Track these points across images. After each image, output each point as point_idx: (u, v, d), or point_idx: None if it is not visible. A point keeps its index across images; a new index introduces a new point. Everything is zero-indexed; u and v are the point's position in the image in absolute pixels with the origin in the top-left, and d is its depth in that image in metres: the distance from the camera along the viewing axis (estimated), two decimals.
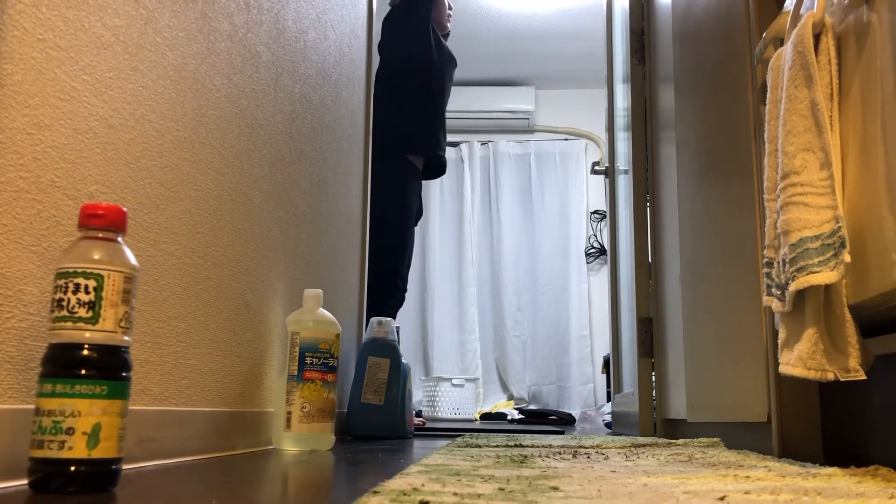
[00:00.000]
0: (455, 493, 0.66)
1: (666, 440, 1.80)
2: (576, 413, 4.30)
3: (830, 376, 0.93)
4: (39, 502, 0.64)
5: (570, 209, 5.16)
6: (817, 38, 0.98)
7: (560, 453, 1.27)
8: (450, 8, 3.11)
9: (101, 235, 0.75)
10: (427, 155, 2.89)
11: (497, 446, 1.47)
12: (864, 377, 0.90)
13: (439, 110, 2.90)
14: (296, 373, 1.42)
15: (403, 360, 2.05)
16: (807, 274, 0.92)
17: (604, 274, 4.97)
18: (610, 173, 3.09)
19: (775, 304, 1.05)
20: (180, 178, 1.13)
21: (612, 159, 3.05)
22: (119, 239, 0.76)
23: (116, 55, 0.96)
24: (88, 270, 0.73)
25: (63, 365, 0.71)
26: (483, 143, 5.33)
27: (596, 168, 3.32)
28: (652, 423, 2.27)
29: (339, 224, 2.08)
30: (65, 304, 0.72)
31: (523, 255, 5.12)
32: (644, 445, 1.55)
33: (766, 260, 1.10)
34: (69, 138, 0.87)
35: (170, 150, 1.10)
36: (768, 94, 1.10)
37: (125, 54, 0.98)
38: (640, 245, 2.46)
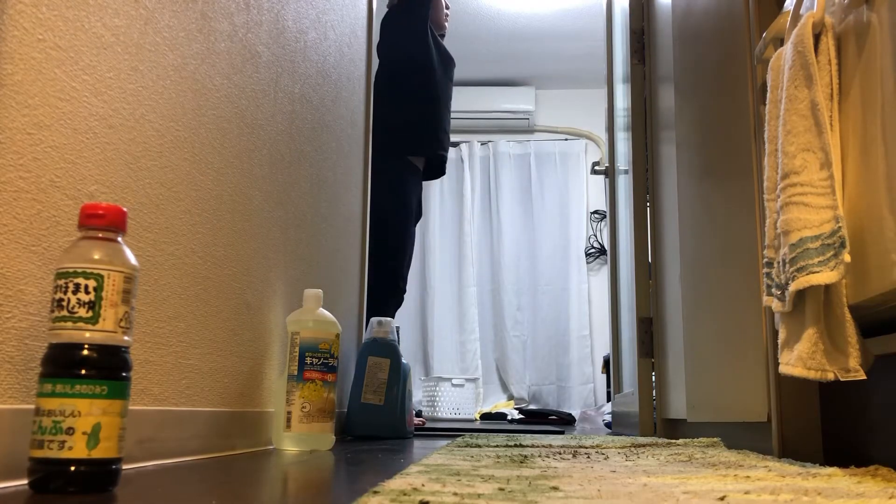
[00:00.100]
0: (455, 493, 0.66)
1: (666, 440, 1.80)
2: (576, 413, 4.30)
3: (830, 376, 0.93)
4: (39, 502, 0.64)
5: (570, 209, 5.16)
6: (817, 38, 0.98)
7: (560, 453, 1.27)
8: (447, 7, 3.11)
9: (101, 235, 0.75)
10: (427, 155, 2.89)
11: (497, 446, 1.47)
12: (864, 377, 0.90)
13: (440, 110, 2.90)
14: (296, 373, 1.42)
15: (403, 360, 2.05)
16: (807, 274, 0.92)
17: (604, 274, 4.97)
18: (610, 173, 3.09)
19: (775, 304, 1.05)
20: (180, 178, 1.13)
21: (612, 159, 3.05)
22: (119, 239, 0.76)
23: (116, 55, 0.96)
24: (88, 270, 0.73)
25: (63, 365, 0.71)
26: (483, 143, 5.33)
27: (596, 168, 3.32)
28: (652, 423, 2.27)
29: (339, 224, 2.08)
30: (65, 304, 0.72)
31: (523, 255, 5.12)
32: (644, 445, 1.55)
33: (766, 260, 1.10)
34: (69, 138, 0.87)
35: (170, 150, 1.10)
36: (768, 94, 1.10)
37: (125, 54, 0.98)
38: (640, 245, 2.46)
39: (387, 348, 2.02)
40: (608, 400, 3.68)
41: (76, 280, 0.72)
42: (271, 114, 1.52)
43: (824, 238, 0.91)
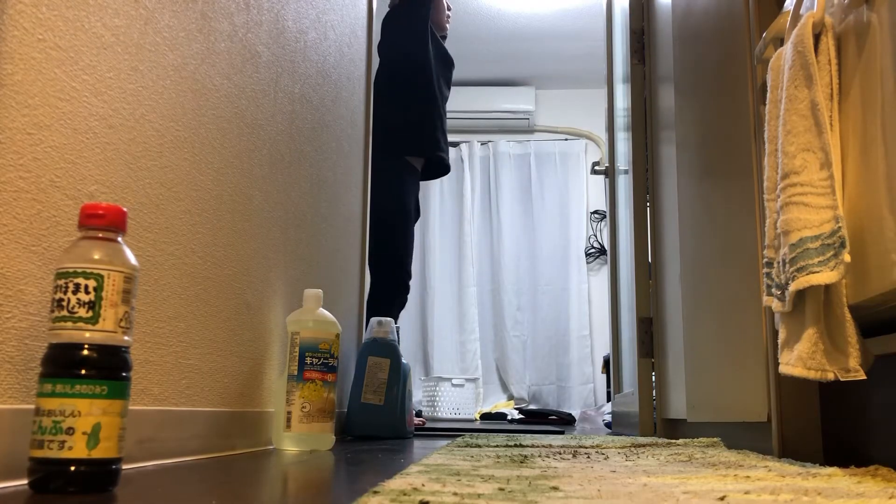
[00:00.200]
0: (455, 493, 0.66)
1: (666, 440, 1.80)
2: (576, 413, 4.30)
3: (830, 376, 0.93)
4: (39, 502, 0.64)
5: (570, 209, 5.16)
6: (817, 38, 0.98)
7: (560, 453, 1.27)
8: (448, 9, 3.11)
9: (101, 235, 0.75)
10: (425, 156, 2.89)
11: (497, 446, 1.47)
12: (864, 377, 0.90)
13: (438, 111, 2.90)
14: (296, 373, 1.42)
15: (403, 360, 2.05)
16: (807, 274, 0.92)
17: (604, 274, 4.97)
18: (610, 173, 3.09)
19: (775, 304, 1.05)
20: (180, 178, 1.13)
21: (612, 159, 3.05)
22: (119, 239, 0.76)
23: (116, 55, 0.96)
24: (88, 270, 0.73)
25: (63, 365, 0.71)
26: (483, 143, 5.33)
27: (596, 168, 3.32)
28: (652, 423, 2.27)
29: (339, 224, 2.08)
30: (65, 304, 0.72)
31: (523, 255, 5.12)
32: (644, 445, 1.55)
33: (766, 260, 1.10)
34: (69, 138, 0.87)
35: (170, 150, 1.10)
36: (768, 94, 1.10)
37: (125, 54, 0.98)
38: (640, 245, 2.46)
39: (387, 348, 2.02)
40: (608, 400, 3.68)
41: (76, 280, 0.72)
42: (271, 114, 1.52)
43: (824, 238, 0.91)
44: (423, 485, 0.71)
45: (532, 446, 1.49)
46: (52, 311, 0.72)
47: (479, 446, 1.46)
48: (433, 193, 5.19)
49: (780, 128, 1.02)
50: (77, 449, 0.69)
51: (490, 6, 4.29)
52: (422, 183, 2.98)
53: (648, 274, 2.39)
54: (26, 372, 0.78)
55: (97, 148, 0.92)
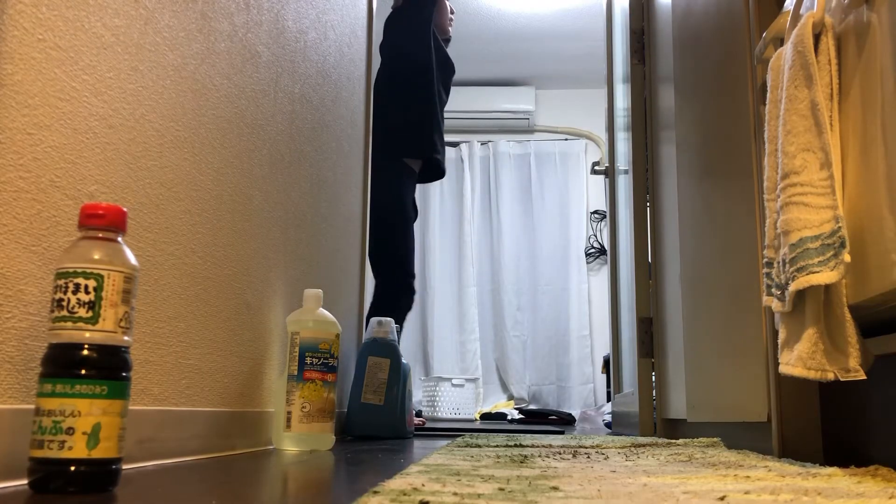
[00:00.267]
0: (455, 493, 0.66)
1: (666, 440, 1.80)
2: (576, 413, 4.30)
3: (830, 376, 0.93)
4: (39, 502, 0.64)
5: (570, 209, 5.16)
6: (817, 38, 0.98)
7: (560, 453, 1.27)
8: (451, 12, 3.10)
9: (101, 235, 0.75)
10: (422, 157, 2.88)
11: (497, 446, 1.47)
12: (864, 377, 0.90)
13: (437, 114, 2.90)
14: (296, 373, 1.42)
15: (403, 360, 2.05)
16: (807, 274, 0.92)
17: (604, 274, 4.97)
18: (610, 173, 3.09)
19: (775, 304, 1.05)
20: (180, 178, 1.13)
21: (612, 159, 3.05)
22: (119, 239, 0.76)
23: (116, 55, 0.96)
24: (88, 270, 0.73)
25: (63, 365, 0.71)
26: (483, 143, 5.33)
27: (596, 168, 3.32)
28: (652, 423, 2.27)
29: (339, 224, 2.08)
30: (65, 304, 0.72)
31: (523, 255, 5.12)
32: (644, 445, 1.55)
33: (766, 260, 1.10)
34: (69, 138, 0.87)
35: (170, 150, 1.10)
36: (768, 94, 1.10)
37: (125, 54, 0.98)
38: (640, 245, 2.46)
39: (387, 348, 2.02)
40: (608, 400, 3.68)
41: (76, 280, 0.72)
42: (271, 114, 1.52)
43: (824, 238, 0.91)
44: (423, 485, 0.71)
45: (532, 446, 1.49)
46: (52, 311, 0.72)
47: (479, 446, 1.46)
48: (433, 193, 5.19)
49: (780, 128, 1.02)
50: (77, 449, 0.69)
51: (490, 6, 4.29)
52: (420, 185, 2.98)
53: (648, 274, 2.39)
54: (26, 372, 0.78)
55: (97, 148, 0.92)
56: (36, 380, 0.73)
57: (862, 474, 0.85)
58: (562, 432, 2.53)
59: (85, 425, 0.70)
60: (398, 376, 2.00)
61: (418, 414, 3.56)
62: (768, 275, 1.09)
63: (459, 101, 4.76)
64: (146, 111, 1.03)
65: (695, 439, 1.62)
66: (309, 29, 1.78)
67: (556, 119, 5.31)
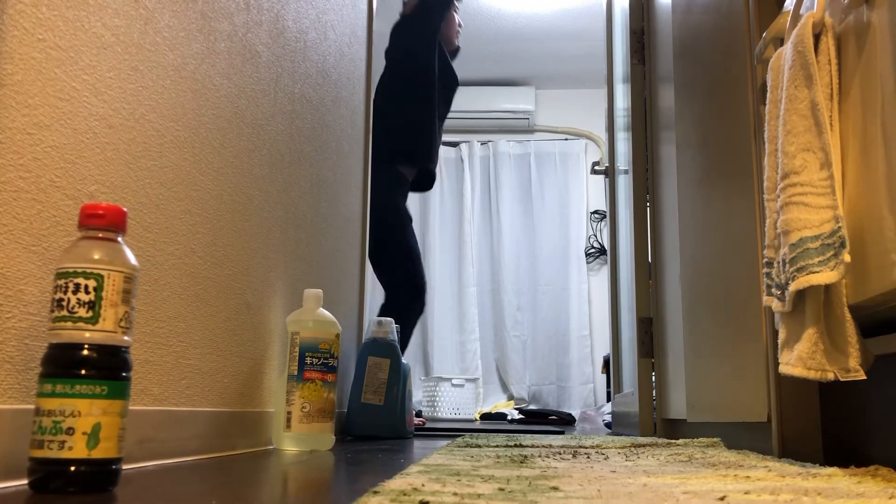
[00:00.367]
0: (455, 493, 0.66)
1: (666, 440, 1.80)
2: (576, 413, 4.30)
3: (830, 376, 0.93)
4: (39, 502, 0.64)
5: (570, 209, 5.16)
6: (817, 38, 0.98)
7: (560, 453, 1.27)
8: (459, 25, 3.09)
9: (101, 235, 0.75)
10: (417, 166, 2.88)
11: (497, 446, 1.47)
12: (864, 377, 0.90)
13: (435, 120, 2.89)
14: (296, 373, 1.42)
15: (403, 360, 2.05)
16: (807, 274, 0.92)
17: (604, 274, 4.97)
18: (610, 173, 3.09)
19: (775, 304, 1.05)
20: (180, 178, 1.13)
21: (612, 159, 3.05)
22: (119, 239, 0.76)
23: (116, 55, 0.96)
24: (88, 270, 0.73)
25: (63, 365, 0.71)
26: (483, 143, 5.33)
27: (596, 168, 3.32)
28: (652, 423, 2.27)
29: (339, 224, 2.08)
30: (65, 304, 0.72)
31: (523, 255, 5.12)
32: (644, 445, 1.55)
33: (766, 260, 1.10)
34: (69, 138, 0.87)
35: (170, 150, 1.10)
36: (768, 94, 1.10)
37: (125, 54, 0.98)
38: (640, 245, 2.46)
39: (387, 348, 2.02)
40: (608, 400, 3.68)
41: (76, 280, 0.72)
42: (271, 114, 1.52)
43: (824, 238, 0.91)
44: (423, 485, 0.71)
45: (532, 446, 1.49)
46: (52, 311, 0.72)
47: (479, 446, 1.46)
48: (433, 193, 5.19)
49: (780, 128, 1.02)
50: (77, 449, 0.69)
51: (490, 6, 4.29)
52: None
53: (648, 274, 2.39)
54: (26, 372, 0.78)
55: (97, 148, 0.92)
56: (36, 380, 0.73)
57: (862, 474, 0.85)
58: (562, 432, 2.53)
59: (85, 425, 0.70)
60: (398, 376, 2.00)
61: (418, 414, 3.56)
62: (768, 275, 1.09)
63: (459, 101, 4.73)
64: (146, 111, 1.03)
65: (695, 439, 1.62)
66: (309, 29, 1.78)
67: (556, 119, 5.31)
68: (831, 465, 1.01)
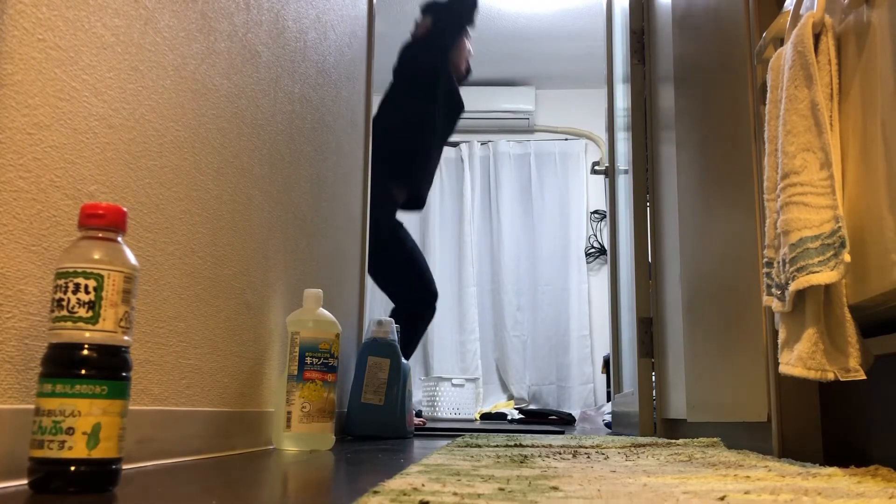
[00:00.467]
0: (455, 493, 0.66)
1: (666, 440, 1.80)
2: (576, 413, 4.30)
3: (830, 376, 0.93)
4: (39, 502, 0.64)
5: (570, 209, 5.16)
6: (817, 38, 0.98)
7: (560, 453, 1.27)
8: (469, 52, 3.08)
9: (101, 235, 0.75)
10: (410, 192, 2.87)
11: (497, 446, 1.47)
12: (864, 377, 0.90)
13: (433, 150, 2.89)
14: (296, 373, 1.42)
15: (403, 360, 2.05)
16: (807, 274, 0.92)
17: (604, 274, 4.97)
18: (610, 173, 3.09)
19: (775, 304, 1.05)
20: (180, 178, 1.13)
21: (612, 159, 3.05)
22: (119, 239, 0.76)
23: (116, 55, 0.96)
24: (88, 270, 0.73)
25: (63, 365, 0.71)
26: (483, 143, 5.33)
27: (596, 168, 3.32)
28: (652, 423, 2.27)
29: (339, 224, 2.08)
30: (65, 303, 0.72)
31: (523, 255, 5.12)
32: (644, 445, 1.55)
33: (766, 260, 1.10)
34: (69, 138, 0.87)
35: (170, 150, 1.10)
36: (768, 94, 1.10)
37: (125, 54, 0.98)
38: (640, 245, 2.46)
39: (387, 348, 2.02)
40: (608, 400, 3.68)
41: (76, 280, 0.72)
42: (271, 114, 1.52)
43: (824, 238, 0.91)
44: (423, 485, 0.71)
45: (532, 446, 1.49)
46: (52, 311, 0.72)
47: (479, 446, 1.46)
48: (433, 193, 5.19)
49: (780, 128, 1.02)
50: (77, 449, 0.69)
51: (490, 6, 4.29)
52: None
53: (648, 274, 2.39)
54: (26, 372, 0.78)
55: (97, 148, 0.92)
56: (36, 380, 0.73)
57: (862, 474, 0.85)
58: (562, 432, 2.53)
59: (85, 425, 0.70)
60: (398, 376, 2.00)
61: (418, 414, 3.56)
62: (768, 275, 1.09)
63: None
64: (146, 111, 1.03)
65: (695, 439, 1.62)
66: (309, 29, 1.78)
67: (556, 119, 5.31)
68: (831, 465, 1.01)
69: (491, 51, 4.76)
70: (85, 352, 0.71)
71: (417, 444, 1.75)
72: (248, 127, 1.40)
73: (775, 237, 1.06)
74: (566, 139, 5.29)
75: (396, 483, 0.73)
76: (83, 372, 0.71)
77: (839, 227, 0.89)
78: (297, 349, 1.43)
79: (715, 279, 1.59)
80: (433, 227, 5.16)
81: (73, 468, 0.69)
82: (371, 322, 2.09)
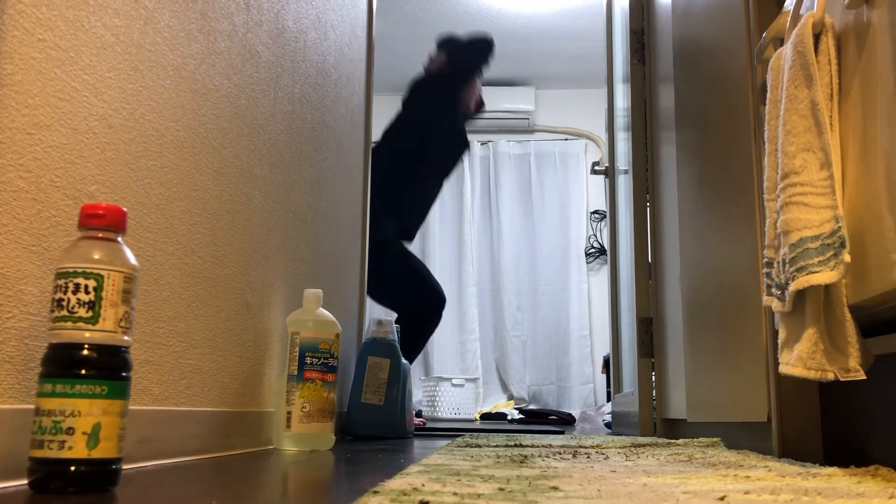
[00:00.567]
0: (455, 493, 0.66)
1: (666, 440, 1.80)
2: (576, 413, 4.30)
3: (830, 376, 0.93)
4: (39, 502, 0.64)
5: (570, 209, 5.16)
6: (817, 37, 0.98)
7: (560, 453, 1.27)
8: (482, 102, 3.07)
9: (101, 235, 0.75)
10: (399, 226, 2.87)
11: (497, 446, 1.47)
12: (864, 377, 0.90)
13: (435, 184, 2.90)
14: (296, 373, 1.42)
15: (403, 360, 2.05)
16: (807, 274, 0.92)
17: (604, 274, 4.97)
18: (610, 173, 3.09)
19: (775, 304, 1.05)
20: (180, 178, 1.13)
21: (612, 159, 3.05)
22: (119, 239, 0.76)
23: (116, 55, 0.96)
24: (88, 270, 0.73)
25: (63, 365, 0.71)
26: (483, 143, 5.33)
27: (596, 168, 3.32)
28: (652, 423, 2.27)
29: (339, 224, 2.08)
30: (65, 303, 0.72)
31: (523, 255, 5.12)
32: (644, 445, 1.55)
33: (766, 260, 1.10)
34: (69, 138, 0.87)
35: (170, 150, 1.10)
36: (768, 94, 1.10)
37: (125, 54, 0.98)
38: (640, 245, 2.46)
39: (387, 348, 2.02)
40: (608, 400, 3.68)
41: (76, 280, 0.72)
42: (271, 114, 1.52)
43: (824, 238, 0.91)
44: (423, 485, 0.71)
45: (532, 446, 1.49)
46: (52, 311, 0.72)
47: (479, 446, 1.46)
48: None
49: (780, 128, 1.02)
50: (77, 449, 0.69)
51: (490, 6, 4.29)
52: None
53: (648, 274, 2.39)
54: (26, 372, 0.78)
55: (97, 148, 0.92)
56: (36, 380, 0.73)
57: (862, 474, 0.85)
58: (562, 432, 2.53)
59: (85, 425, 0.70)
60: (398, 376, 2.00)
61: (418, 414, 3.56)
62: (768, 275, 1.09)
63: None
64: (146, 111, 1.03)
65: (695, 439, 1.62)
66: (309, 29, 1.78)
67: (556, 119, 5.31)
68: (831, 465, 1.01)
69: None
70: (85, 352, 0.71)
71: (417, 444, 1.75)
72: (248, 127, 1.40)
73: (775, 237, 1.06)
74: (566, 139, 5.29)
75: (396, 483, 0.73)
76: (83, 372, 0.71)
77: (839, 227, 0.89)
78: (297, 349, 1.43)
79: (715, 279, 1.59)
80: (433, 227, 5.16)
81: (73, 468, 0.69)
82: (371, 322, 2.09)
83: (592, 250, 5.11)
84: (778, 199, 1.01)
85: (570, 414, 4.14)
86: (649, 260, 2.41)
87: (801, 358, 0.95)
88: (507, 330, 4.99)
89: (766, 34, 1.18)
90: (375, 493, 0.65)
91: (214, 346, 1.24)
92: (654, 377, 2.29)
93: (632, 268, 2.49)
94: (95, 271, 0.73)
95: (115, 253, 0.75)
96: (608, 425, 3.27)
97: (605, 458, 1.17)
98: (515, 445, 1.52)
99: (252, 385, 1.40)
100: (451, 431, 2.49)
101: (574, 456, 1.21)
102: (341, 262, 2.11)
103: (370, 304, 2.68)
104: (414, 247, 3.01)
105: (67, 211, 0.86)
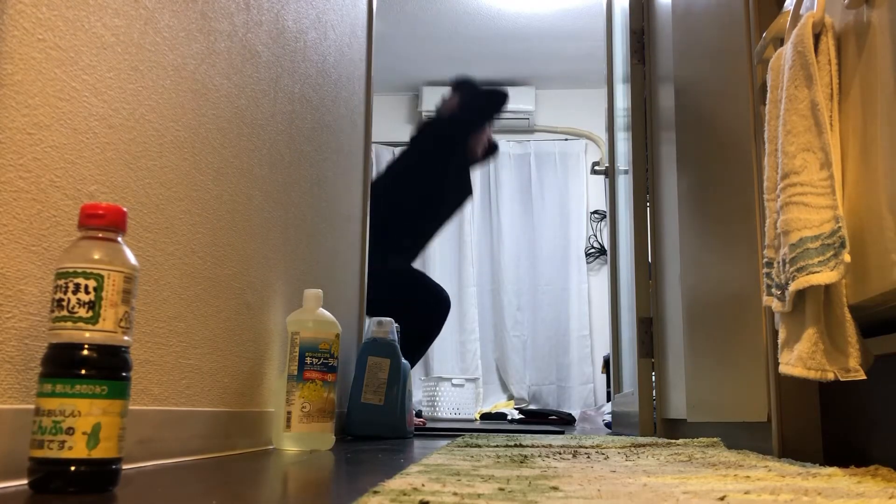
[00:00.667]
0: (455, 493, 0.66)
1: (666, 440, 1.80)
2: (576, 413, 4.30)
3: (830, 376, 0.93)
4: (39, 502, 0.64)
5: (570, 209, 5.16)
6: (817, 37, 0.98)
7: (560, 453, 1.27)
8: (489, 138, 3.07)
9: (101, 235, 0.75)
10: (396, 262, 2.87)
11: (497, 446, 1.47)
12: (864, 377, 0.90)
13: (436, 227, 2.90)
14: (296, 373, 1.42)
15: (403, 360, 2.05)
16: (807, 274, 0.92)
17: (604, 274, 4.97)
18: (610, 173, 3.09)
19: (775, 304, 1.05)
20: (180, 178, 1.13)
21: (612, 159, 3.05)
22: (119, 239, 0.76)
23: (116, 55, 0.96)
24: (88, 270, 0.73)
25: (63, 365, 0.71)
26: None
27: (596, 168, 3.32)
28: (652, 423, 2.27)
29: (339, 224, 2.08)
30: (65, 303, 0.72)
31: (523, 255, 5.12)
32: (644, 445, 1.55)
33: (766, 260, 1.10)
34: (69, 138, 0.87)
35: (170, 150, 1.10)
36: (768, 94, 1.10)
37: (125, 54, 0.98)
38: (640, 245, 2.46)
39: (387, 348, 2.02)
40: (608, 400, 3.68)
41: (76, 280, 0.72)
42: (271, 114, 1.52)
43: (824, 238, 0.91)
44: (423, 485, 0.71)
45: (532, 446, 1.49)
46: (52, 311, 0.72)
47: (479, 446, 1.46)
48: None
49: (780, 128, 1.02)
50: (77, 449, 0.69)
51: (490, 6, 4.29)
52: None
53: (648, 274, 2.39)
54: (26, 372, 0.78)
55: (97, 148, 0.92)
56: (36, 380, 0.73)
57: (862, 474, 0.85)
58: (562, 432, 2.53)
59: (85, 425, 0.70)
60: (398, 376, 2.00)
61: (418, 414, 3.56)
62: (768, 275, 1.09)
63: None
64: (146, 111, 1.03)
65: (695, 439, 1.62)
66: (309, 29, 1.78)
67: (556, 119, 5.31)
68: (831, 465, 1.01)
69: (491, 51, 4.76)
70: (85, 352, 0.71)
71: (417, 444, 1.75)
72: (248, 127, 1.40)
73: (775, 237, 1.06)
74: (566, 139, 5.29)
75: (396, 483, 0.73)
76: (83, 372, 0.71)
77: (839, 227, 0.89)
78: (297, 349, 1.43)
79: (715, 279, 1.59)
80: None
81: (73, 468, 0.69)
82: (371, 322, 2.09)
83: (592, 250, 5.11)
84: (778, 199, 1.01)
85: (570, 414, 4.14)
86: (649, 260, 2.41)
87: (801, 358, 0.95)
88: (507, 330, 5.00)
89: (766, 34, 1.18)
90: (375, 493, 0.65)
91: (214, 346, 1.24)
92: (654, 377, 2.29)
93: (632, 268, 2.49)
94: (95, 271, 0.73)
95: (115, 253, 0.75)
96: (608, 425, 3.27)
97: (605, 458, 1.17)
98: (515, 445, 1.52)
99: (252, 385, 1.40)
100: (451, 431, 2.49)
101: (574, 456, 1.21)
102: (341, 262, 2.11)
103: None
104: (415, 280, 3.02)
105: (67, 211, 0.86)
